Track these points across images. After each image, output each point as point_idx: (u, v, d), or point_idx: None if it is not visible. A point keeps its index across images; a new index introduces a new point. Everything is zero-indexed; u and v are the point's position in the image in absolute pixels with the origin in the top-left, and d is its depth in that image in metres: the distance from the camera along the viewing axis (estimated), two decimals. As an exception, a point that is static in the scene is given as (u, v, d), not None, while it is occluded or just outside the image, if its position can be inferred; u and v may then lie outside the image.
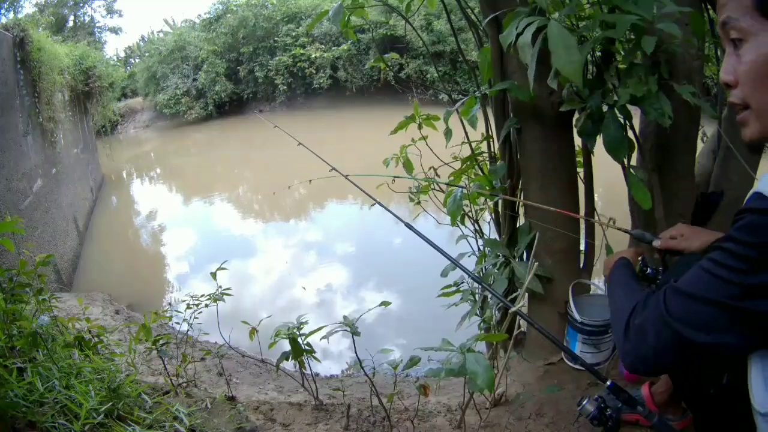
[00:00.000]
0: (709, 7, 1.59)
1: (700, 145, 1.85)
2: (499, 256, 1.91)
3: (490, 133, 2.04)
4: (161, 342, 1.72)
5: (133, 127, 18.42)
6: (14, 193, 4.53)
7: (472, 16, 1.97)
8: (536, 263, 1.57)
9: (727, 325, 0.66)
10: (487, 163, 2.11)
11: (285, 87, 17.37)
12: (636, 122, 1.57)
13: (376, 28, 12.41)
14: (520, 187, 1.87)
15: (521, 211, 1.94)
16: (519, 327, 1.88)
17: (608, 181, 2.36)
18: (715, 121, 1.79)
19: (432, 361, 1.49)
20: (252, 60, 17.69)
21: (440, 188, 2.23)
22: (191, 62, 17.94)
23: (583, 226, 1.82)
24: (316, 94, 17.32)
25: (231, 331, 1.92)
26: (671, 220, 1.48)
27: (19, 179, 4.74)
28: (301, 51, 16.74)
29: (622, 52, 1.42)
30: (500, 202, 1.97)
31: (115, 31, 20.59)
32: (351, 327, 1.46)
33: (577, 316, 1.63)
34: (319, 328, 1.50)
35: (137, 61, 21.42)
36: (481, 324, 1.98)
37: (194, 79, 17.53)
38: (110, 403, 1.34)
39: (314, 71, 16.87)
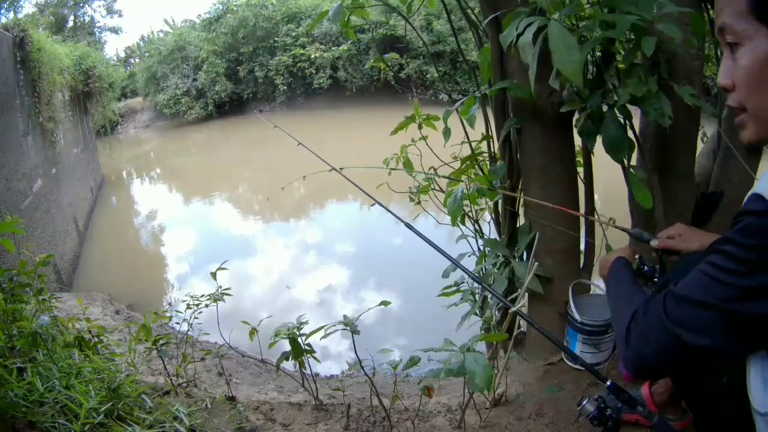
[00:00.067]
0: (709, 7, 1.60)
1: (700, 145, 1.85)
2: (499, 256, 1.91)
3: (490, 133, 2.04)
4: (161, 342, 1.72)
5: (133, 127, 18.42)
6: (14, 193, 4.53)
7: (472, 16, 1.97)
8: (536, 263, 1.57)
9: (725, 328, 0.66)
10: (487, 163, 2.11)
11: (285, 87, 17.38)
12: (636, 122, 1.57)
13: (376, 28, 12.41)
14: (520, 186, 1.87)
15: (521, 211, 1.94)
16: (519, 327, 1.87)
17: (608, 181, 2.36)
18: (715, 121, 1.79)
19: (432, 361, 1.49)
20: (252, 60, 17.69)
21: (440, 188, 2.23)
22: (191, 62, 17.94)
23: (583, 226, 1.82)
24: (316, 94, 17.32)
25: (231, 331, 1.92)
26: (671, 220, 1.48)
27: (19, 179, 4.74)
28: (301, 51, 16.74)
29: (622, 52, 1.42)
30: (500, 202, 1.97)
31: (115, 31, 20.63)
32: (350, 326, 1.46)
33: (577, 316, 1.63)
34: (319, 329, 1.50)
35: (137, 61, 21.44)
36: (482, 324, 1.98)
37: (194, 79, 17.53)
38: (110, 403, 1.34)
39: (314, 71, 16.87)
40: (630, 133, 1.48)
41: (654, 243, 1.20)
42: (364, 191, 1.73)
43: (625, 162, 1.49)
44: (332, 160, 1.83)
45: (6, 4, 14.16)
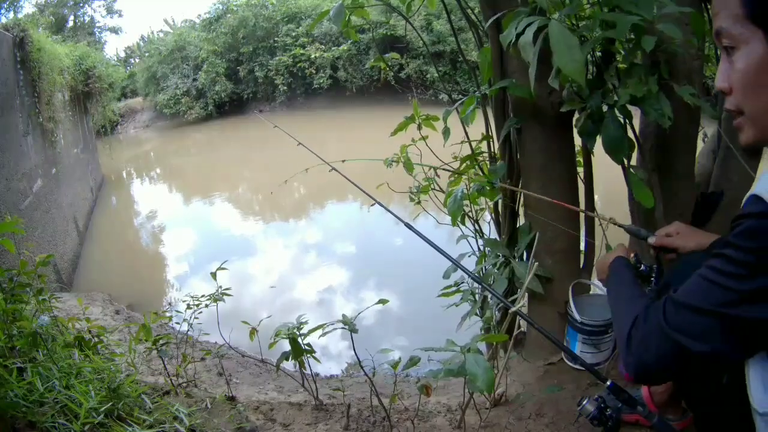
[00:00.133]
0: (709, 7, 1.59)
1: (700, 145, 1.85)
2: (499, 256, 1.91)
3: (490, 133, 2.04)
4: (161, 342, 1.72)
5: (133, 127, 18.42)
6: (14, 193, 4.53)
7: (472, 16, 1.97)
8: (536, 263, 1.57)
9: (724, 333, 0.66)
10: (487, 162, 2.11)
11: (285, 87, 17.38)
12: (636, 122, 1.57)
13: (376, 28, 12.40)
14: (520, 187, 1.87)
15: (521, 211, 1.94)
16: (519, 327, 1.88)
17: (608, 181, 2.36)
18: (715, 121, 1.79)
19: (432, 361, 1.49)
20: (252, 60, 17.69)
21: (440, 188, 2.23)
22: (191, 62, 17.95)
23: (583, 226, 1.82)
24: (316, 94, 17.32)
25: (231, 331, 1.92)
26: (671, 220, 1.47)
27: (19, 179, 4.74)
28: (301, 51, 16.74)
29: (622, 52, 1.42)
30: (500, 202, 1.97)
31: (115, 31, 20.66)
32: (349, 324, 1.46)
33: (577, 316, 1.63)
34: (318, 327, 1.50)
35: (137, 61, 21.45)
36: (482, 324, 1.98)
37: (194, 79, 17.54)
38: (110, 403, 1.34)
39: (314, 71, 16.87)
40: (630, 133, 1.48)
41: (651, 240, 1.20)
42: (364, 191, 1.73)
43: (625, 162, 1.49)
44: (332, 160, 1.83)
45: (6, 4, 14.17)
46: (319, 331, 1.49)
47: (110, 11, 20.19)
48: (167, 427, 1.38)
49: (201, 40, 17.98)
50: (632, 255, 1.17)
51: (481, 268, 2.06)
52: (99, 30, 20.20)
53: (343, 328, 1.46)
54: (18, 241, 3.88)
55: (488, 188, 1.89)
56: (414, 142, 2.18)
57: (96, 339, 1.69)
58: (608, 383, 1.12)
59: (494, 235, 2.12)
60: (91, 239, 6.90)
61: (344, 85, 16.86)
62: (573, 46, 1.16)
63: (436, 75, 7.54)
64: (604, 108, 1.40)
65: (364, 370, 1.63)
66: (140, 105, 19.11)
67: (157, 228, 7.76)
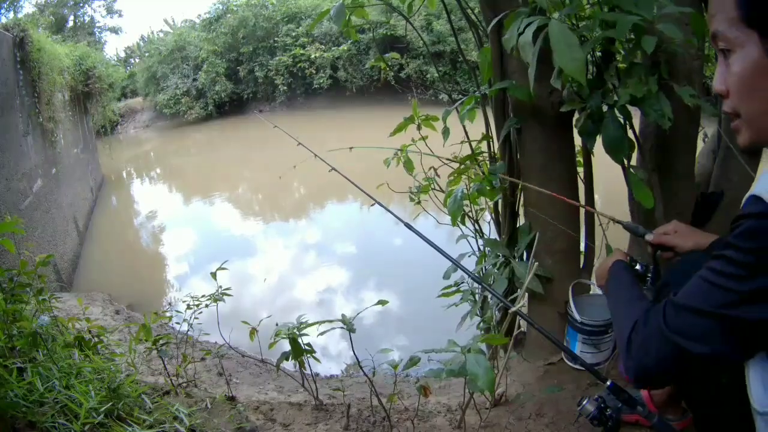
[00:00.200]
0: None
1: (700, 145, 1.85)
2: (499, 256, 1.91)
3: (490, 133, 2.04)
4: (161, 342, 1.72)
5: (133, 127, 18.42)
6: (14, 193, 4.53)
7: (472, 16, 1.97)
8: (536, 263, 1.57)
9: (724, 335, 0.66)
10: (487, 162, 2.10)
11: (285, 87, 17.38)
12: (636, 122, 1.57)
13: (377, 28, 12.41)
14: (520, 186, 1.87)
15: (521, 211, 1.94)
16: (519, 327, 1.88)
17: (608, 181, 2.36)
18: (715, 121, 1.79)
19: (432, 362, 1.49)
20: (252, 60, 17.70)
21: (440, 188, 2.23)
22: (191, 62, 17.95)
23: (583, 226, 1.82)
24: (316, 94, 17.31)
25: (231, 331, 1.92)
26: (670, 220, 1.47)
27: (19, 179, 4.74)
28: (301, 51, 16.73)
29: (622, 52, 1.42)
30: (500, 202, 1.97)
31: (115, 31, 20.68)
32: (347, 323, 1.46)
33: (577, 316, 1.63)
34: (314, 323, 1.50)
35: (137, 61, 21.46)
36: (481, 324, 1.98)
37: (194, 79, 17.54)
38: (110, 403, 1.34)
39: (314, 71, 16.88)
40: (630, 133, 1.48)
41: (649, 237, 1.20)
42: (364, 191, 1.73)
43: (625, 162, 1.48)
44: (332, 159, 1.83)
45: (6, 4, 14.18)
46: (320, 329, 1.49)
47: (110, 11, 20.23)
48: (167, 427, 1.38)
49: (201, 40, 17.99)
50: (627, 257, 1.17)
51: (481, 268, 2.06)
52: (99, 30, 20.24)
53: (341, 327, 1.47)
54: (18, 241, 3.88)
55: (488, 188, 1.89)
56: (414, 142, 2.18)
57: (96, 339, 1.69)
58: (608, 383, 1.12)
59: (494, 235, 2.12)
60: (91, 239, 6.90)
61: (344, 85, 16.86)
62: (573, 44, 1.15)
63: (436, 75, 7.55)
64: (604, 108, 1.40)
65: (363, 371, 1.63)
66: (140, 105, 19.12)
67: (157, 228, 7.76)
